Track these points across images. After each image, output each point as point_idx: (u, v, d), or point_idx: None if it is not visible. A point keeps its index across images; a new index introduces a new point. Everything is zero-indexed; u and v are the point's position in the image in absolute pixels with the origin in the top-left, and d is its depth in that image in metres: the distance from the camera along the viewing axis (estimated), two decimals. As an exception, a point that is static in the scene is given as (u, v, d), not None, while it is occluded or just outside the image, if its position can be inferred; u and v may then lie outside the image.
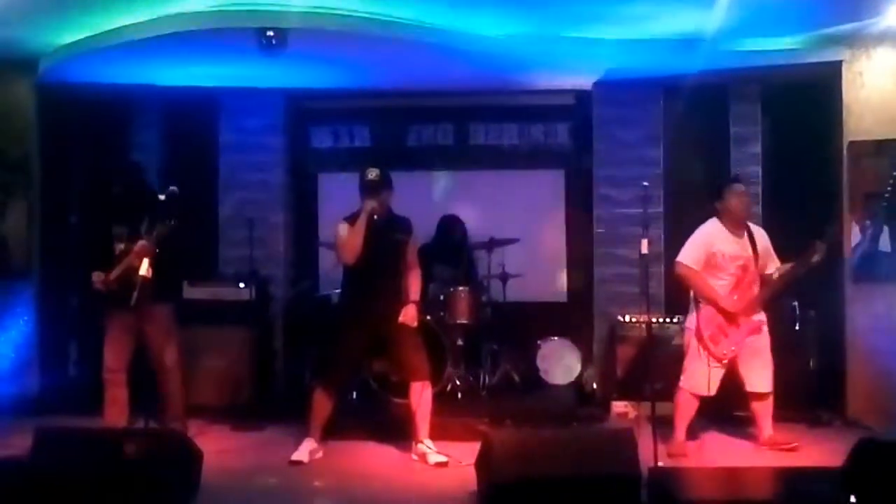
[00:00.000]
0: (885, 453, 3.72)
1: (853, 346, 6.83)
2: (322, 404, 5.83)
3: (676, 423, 5.89)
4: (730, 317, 5.81)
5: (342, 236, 5.79)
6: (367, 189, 5.76)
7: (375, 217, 5.72)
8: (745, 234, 5.95)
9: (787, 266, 5.94)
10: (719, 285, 5.87)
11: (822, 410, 6.69)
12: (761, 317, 5.95)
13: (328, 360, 6.05)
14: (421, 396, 5.76)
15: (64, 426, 5.63)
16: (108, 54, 6.62)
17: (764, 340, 5.95)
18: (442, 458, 5.64)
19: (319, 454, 5.83)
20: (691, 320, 5.96)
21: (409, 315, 5.83)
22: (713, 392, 5.83)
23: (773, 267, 5.99)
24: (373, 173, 5.79)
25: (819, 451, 5.72)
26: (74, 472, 4.49)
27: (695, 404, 5.91)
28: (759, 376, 5.90)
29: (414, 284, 5.97)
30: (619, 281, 7.63)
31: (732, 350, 5.83)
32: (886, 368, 6.58)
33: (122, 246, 5.86)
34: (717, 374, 5.82)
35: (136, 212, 5.89)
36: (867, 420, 6.57)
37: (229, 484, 5.25)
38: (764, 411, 5.96)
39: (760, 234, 6.04)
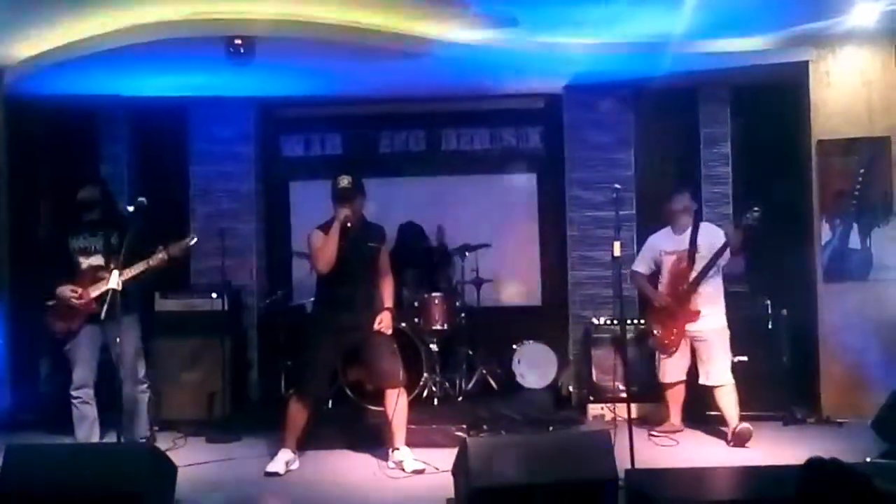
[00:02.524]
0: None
1: (825, 343, 6.88)
2: (297, 414, 5.78)
3: (669, 409, 6.50)
4: (664, 309, 6.31)
5: (316, 245, 5.75)
6: (340, 197, 5.72)
7: (349, 225, 5.70)
8: (686, 232, 6.31)
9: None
10: (661, 282, 6.42)
11: (797, 408, 6.73)
12: (702, 309, 6.15)
13: (302, 370, 6.02)
14: (396, 403, 5.72)
15: (35, 443, 5.55)
16: (75, 66, 6.56)
17: (712, 336, 6.16)
18: (419, 465, 5.62)
19: (296, 465, 5.79)
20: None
21: (384, 322, 5.81)
22: (668, 380, 6.39)
23: (725, 261, 6.24)
24: (345, 181, 5.74)
25: (794, 449, 5.74)
26: (45, 490, 4.43)
27: (675, 390, 6.42)
28: (708, 369, 6.18)
29: (387, 291, 5.95)
30: (592, 284, 7.66)
31: (672, 339, 6.25)
32: (858, 365, 6.65)
33: (91, 260, 5.78)
34: (670, 363, 6.34)
35: (105, 225, 5.81)
36: (841, 416, 6.62)
37: (205, 498, 5.20)
38: (723, 403, 6.11)
39: (708, 233, 6.29)
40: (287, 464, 5.71)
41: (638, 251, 6.93)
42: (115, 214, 5.87)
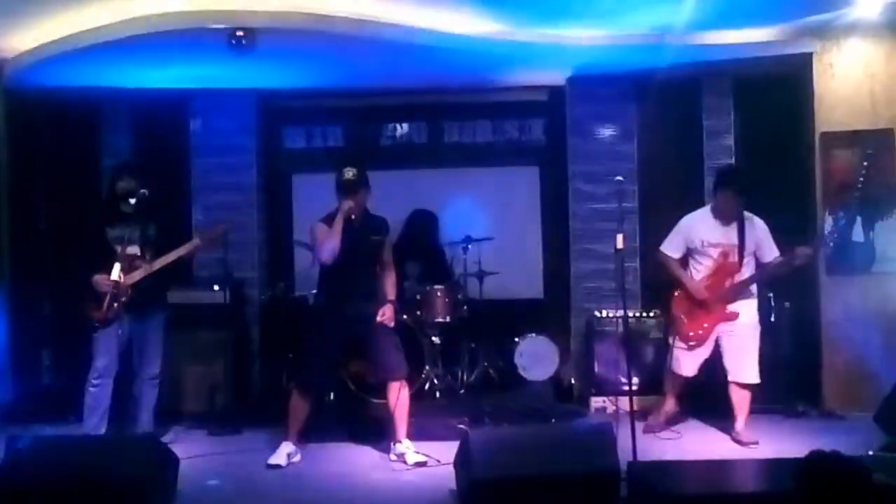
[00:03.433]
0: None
1: (828, 336, 6.87)
2: (299, 407, 5.77)
3: (666, 396, 6.29)
4: (699, 302, 5.97)
5: (319, 236, 5.73)
6: (344, 188, 5.70)
7: (353, 217, 5.68)
8: (735, 224, 6.01)
9: (775, 261, 5.99)
10: (697, 270, 6.06)
11: (799, 401, 6.72)
12: (737, 307, 5.97)
13: (305, 363, 6.01)
14: (398, 396, 5.72)
15: (37, 434, 5.55)
16: (75, 58, 6.54)
17: (745, 331, 5.99)
18: (421, 458, 5.61)
19: (297, 457, 5.78)
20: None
21: (387, 315, 5.79)
22: (686, 373, 6.12)
23: (772, 257, 6.01)
24: (349, 172, 5.72)
25: (796, 442, 5.73)
26: (48, 481, 4.43)
27: (679, 381, 6.21)
28: (739, 366, 5.97)
29: (390, 284, 5.95)
30: (595, 276, 7.64)
31: (700, 333, 5.97)
32: (861, 358, 6.63)
33: (128, 250, 5.81)
34: (690, 356, 6.06)
35: (142, 216, 5.84)
36: (843, 410, 6.62)
37: (206, 490, 5.20)
38: (740, 403, 6.00)
39: (755, 227, 6.06)
40: (289, 456, 5.71)
41: (641, 243, 6.92)
42: (152, 205, 5.88)
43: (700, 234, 6.06)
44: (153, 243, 5.74)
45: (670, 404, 6.32)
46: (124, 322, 5.77)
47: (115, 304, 5.72)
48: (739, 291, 5.98)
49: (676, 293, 6.14)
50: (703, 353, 6.07)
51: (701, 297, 5.97)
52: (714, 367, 6.10)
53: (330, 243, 5.62)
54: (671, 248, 6.17)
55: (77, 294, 5.83)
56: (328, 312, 5.83)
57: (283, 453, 5.69)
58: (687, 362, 6.11)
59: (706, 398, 6.41)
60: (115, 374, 5.87)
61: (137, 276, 5.68)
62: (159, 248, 5.82)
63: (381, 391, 5.95)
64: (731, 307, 5.97)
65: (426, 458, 5.60)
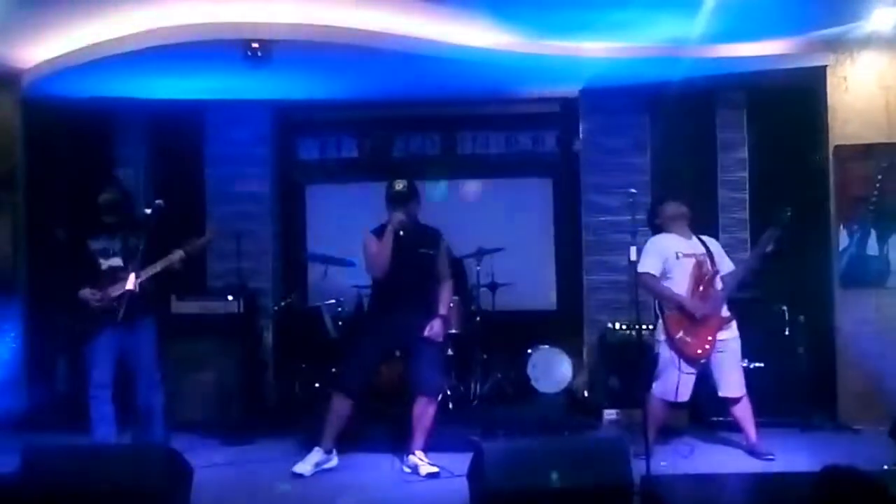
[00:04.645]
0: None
1: (843, 349, 6.84)
2: (339, 412, 5.73)
3: (647, 427, 5.55)
4: (694, 317, 5.82)
5: (371, 250, 5.71)
6: (394, 200, 5.69)
7: (402, 230, 5.67)
8: (694, 237, 6.03)
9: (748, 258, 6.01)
10: (679, 288, 5.89)
11: (814, 414, 6.69)
12: (728, 313, 5.93)
13: (347, 368, 5.93)
14: (425, 411, 5.73)
15: (53, 443, 5.57)
16: (92, 68, 6.60)
17: (735, 343, 5.94)
18: (433, 469, 5.61)
19: (333, 462, 5.77)
20: (659, 330, 5.99)
21: (434, 329, 5.73)
22: (683, 399, 5.88)
23: (730, 269, 6.00)
24: (400, 184, 5.72)
25: (810, 457, 5.70)
26: (63, 490, 4.45)
27: (664, 411, 5.96)
28: (730, 380, 5.90)
29: (444, 298, 5.87)
30: (608, 288, 7.65)
31: (706, 348, 5.81)
32: (876, 372, 6.60)
33: (111, 262, 5.81)
34: (688, 380, 5.83)
35: (124, 227, 5.85)
36: (858, 423, 6.59)
37: (220, 500, 5.22)
38: (743, 416, 5.95)
39: (710, 240, 6.11)
40: (317, 465, 5.68)
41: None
42: (134, 216, 5.91)
43: (675, 247, 5.95)
44: (136, 254, 5.69)
45: (654, 433, 5.85)
46: (115, 333, 5.71)
47: (99, 317, 5.71)
48: (725, 297, 5.92)
49: (668, 315, 5.89)
50: (693, 374, 5.87)
51: (699, 311, 5.79)
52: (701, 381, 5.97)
53: (380, 258, 5.62)
54: (650, 265, 5.88)
55: (69, 306, 5.85)
56: (375, 321, 5.82)
57: (312, 462, 5.67)
58: (687, 386, 5.85)
59: (718, 410, 6.37)
60: (114, 383, 5.84)
61: (121, 288, 5.59)
62: (148, 259, 5.74)
63: (401, 400, 5.94)
64: (723, 312, 5.90)
65: (438, 469, 5.60)
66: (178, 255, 5.78)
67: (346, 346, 6.05)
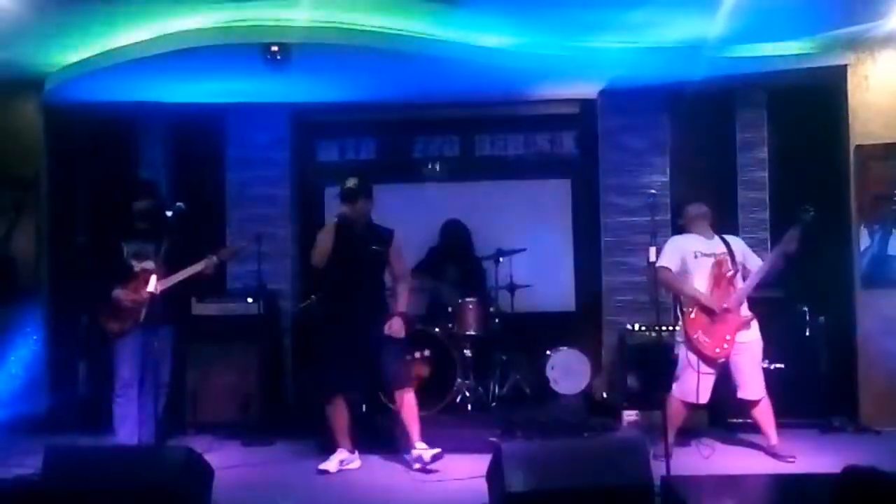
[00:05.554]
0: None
1: (864, 350, 6.80)
2: (337, 416, 5.84)
3: (666, 429, 5.65)
4: (714, 315, 5.82)
5: (317, 240, 5.85)
6: (342, 196, 5.83)
7: (349, 224, 5.76)
8: (715, 237, 6.04)
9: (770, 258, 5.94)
10: (699, 286, 5.90)
11: (835, 416, 6.65)
12: (748, 313, 5.91)
13: (321, 373, 6.02)
14: (405, 403, 5.81)
15: (74, 444, 5.62)
16: (114, 72, 6.65)
17: (757, 346, 5.93)
18: (436, 450, 5.67)
19: (355, 464, 5.87)
20: (679, 332, 6.01)
21: (394, 327, 5.83)
22: (703, 400, 5.88)
23: (757, 265, 5.97)
24: (352, 181, 5.85)
25: (831, 458, 5.67)
26: (85, 491, 4.48)
27: (684, 412, 5.96)
28: (750, 382, 5.89)
29: (402, 296, 5.97)
30: (627, 289, 7.63)
31: (725, 347, 5.80)
32: (897, 372, 6.56)
33: (144, 265, 5.93)
34: (707, 381, 5.85)
35: (157, 233, 5.95)
36: (879, 424, 6.54)
37: (240, 500, 5.24)
38: (763, 418, 5.93)
39: (734, 239, 6.13)
40: (342, 462, 5.79)
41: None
42: (167, 222, 5.99)
43: (692, 247, 5.99)
44: (168, 259, 5.86)
45: (673, 434, 5.90)
46: (142, 334, 5.87)
47: (130, 318, 5.87)
48: (745, 296, 5.91)
49: (691, 314, 5.88)
50: (713, 375, 5.89)
51: (718, 307, 5.80)
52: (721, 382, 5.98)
53: (319, 247, 5.76)
54: (667, 260, 5.93)
55: (98, 306, 6.02)
56: (333, 323, 5.88)
57: (336, 460, 5.79)
58: (707, 387, 5.87)
59: (738, 412, 6.33)
60: (140, 383, 5.95)
61: (152, 289, 5.73)
62: (176, 264, 5.92)
63: (421, 402, 5.98)
64: (744, 313, 5.89)
65: (440, 449, 5.66)
66: (212, 260, 5.99)
67: (315, 356, 6.09)
